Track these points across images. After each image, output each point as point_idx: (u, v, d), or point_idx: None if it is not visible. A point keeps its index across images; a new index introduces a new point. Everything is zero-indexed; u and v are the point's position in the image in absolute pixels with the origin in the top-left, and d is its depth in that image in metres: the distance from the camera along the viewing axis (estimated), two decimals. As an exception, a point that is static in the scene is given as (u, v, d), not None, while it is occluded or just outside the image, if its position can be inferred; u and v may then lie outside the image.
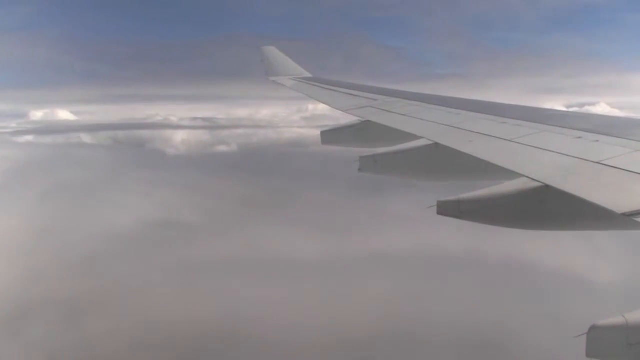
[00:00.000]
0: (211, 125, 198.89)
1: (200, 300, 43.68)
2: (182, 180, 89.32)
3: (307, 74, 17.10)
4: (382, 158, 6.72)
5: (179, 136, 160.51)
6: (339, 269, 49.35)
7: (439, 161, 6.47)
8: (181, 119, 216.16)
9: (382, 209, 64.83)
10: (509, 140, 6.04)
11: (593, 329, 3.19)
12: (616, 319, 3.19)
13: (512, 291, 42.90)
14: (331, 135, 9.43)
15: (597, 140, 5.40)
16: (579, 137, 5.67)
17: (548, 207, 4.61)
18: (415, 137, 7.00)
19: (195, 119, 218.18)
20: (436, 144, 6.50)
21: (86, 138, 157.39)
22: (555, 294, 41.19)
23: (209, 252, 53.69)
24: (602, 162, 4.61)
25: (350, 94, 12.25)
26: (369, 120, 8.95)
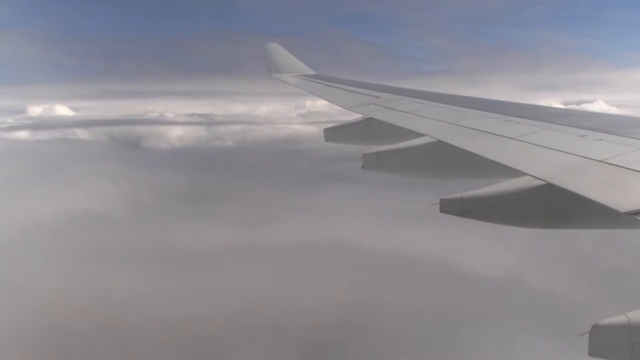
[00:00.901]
0: (208, 121, 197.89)
1: (77, 291, 43.37)
2: (141, 175, 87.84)
3: (310, 71, 17.09)
4: (385, 155, 6.72)
5: (175, 132, 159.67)
6: (229, 260, 49.60)
7: (442, 159, 6.46)
8: (177, 115, 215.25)
9: (323, 204, 65.17)
10: (512, 138, 6.03)
11: (595, 328, 3.18)
12: (618, 318, 3.19)
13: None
14: (334, 133, 9.43)
15: (601, 139, 5.39)
16: (583, 136, 5.66)
17: (551, 206, 4.60)
18: (418, 135, 7.00)
19: (191, 115, 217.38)
20: (439, 142, 6.50)
21: (82, 134, 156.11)
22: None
23: (112, 244, 53.74)
24: (606, 161, 4.60)
25: (354, 92, 12.24)
26: (372, 118, 8.95)
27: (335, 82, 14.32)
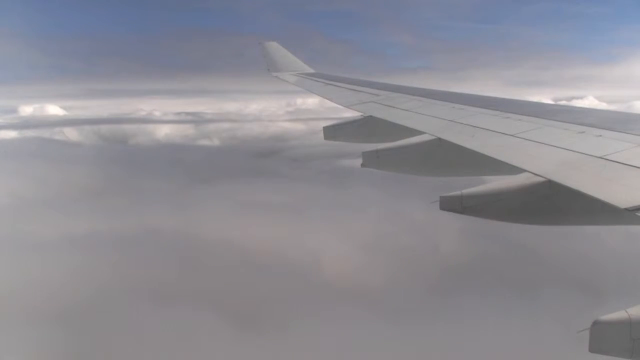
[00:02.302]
0: (197, 119, 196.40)
1: None
2: (61, 172, 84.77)
3: (310, 70, 17.10)
4: (384, 153, 6.72)
5: (162, 130, 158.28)
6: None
7: (442, 156, 6.47)
8: (165, 113, 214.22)
9: (218, 200, 65.17)
10: (512, 135, 6.04)
11: (596, 324, 3.19)
12: (619, 314, 3.19)
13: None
14: (333, 131, 9.42)
15: (600, 135, 5.39)
16: (582, 132, 5.66)
17: (551, 202, 4.61)
18: (417, 132, 7.00)
19: (179, 113, 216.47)
20: (439, 139, 6.50)
21: (70, 133, 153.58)
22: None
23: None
24: (605, 157, 4.61)
25: (353, 89, 12.25)
26: (371, 116, 8.95)
27: (334, 80, 14.33)
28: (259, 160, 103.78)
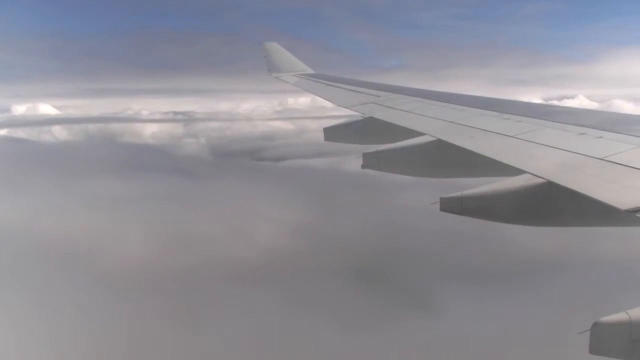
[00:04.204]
0: (186, 118, 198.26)
1: None
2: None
3: (310, 70, 17.07)
4: (384, 154, 6.71)
5: (149, 129, 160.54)
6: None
7: (442, 157, 6.46)
8: (153, 112, 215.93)
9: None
10: (512, 137, 6.04)
11: (596, 325, 3.19)
12: (619, 316, 3.19)
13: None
14: (334, 132, 9.42)
15: (601, 137, 5.40)
16: (583, 133, 5.67)
17: (551, 204, 4.60)
18: (418, 134, 7.00)
19: (167, 112, 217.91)
20: (439, 141, 6.50)
21: (59, 132, 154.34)
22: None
23: None
24: (606, 159, 4.61)
25: (353, 90, 12.25)
26: (371, 117, 8.95)
27: (335, 81, 14.33)
28: (220, 160, 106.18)
